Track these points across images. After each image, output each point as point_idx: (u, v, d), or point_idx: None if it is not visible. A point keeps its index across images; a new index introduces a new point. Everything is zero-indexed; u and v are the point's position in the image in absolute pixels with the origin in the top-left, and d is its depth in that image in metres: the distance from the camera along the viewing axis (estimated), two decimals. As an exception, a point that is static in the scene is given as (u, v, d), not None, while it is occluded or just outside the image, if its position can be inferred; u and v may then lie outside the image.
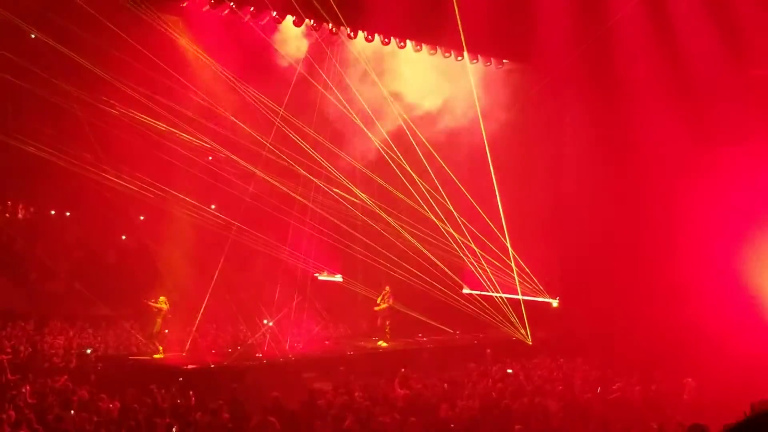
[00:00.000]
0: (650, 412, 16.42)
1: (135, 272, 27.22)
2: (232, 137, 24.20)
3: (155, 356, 21.68)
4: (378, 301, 25.15)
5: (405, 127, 25.12)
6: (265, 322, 24.66)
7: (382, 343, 25.02)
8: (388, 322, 25.05)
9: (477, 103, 25.34)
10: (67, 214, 29.27)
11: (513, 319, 25.33)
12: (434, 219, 25.09)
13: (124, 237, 30.10)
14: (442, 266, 25.66)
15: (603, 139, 25.73)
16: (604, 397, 18.20)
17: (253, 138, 23.79)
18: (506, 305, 25.60)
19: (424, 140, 24.86)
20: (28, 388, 16.93)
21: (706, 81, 23.72)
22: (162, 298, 22.19)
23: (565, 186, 27.76)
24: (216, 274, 23.26)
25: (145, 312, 22.78)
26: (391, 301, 24.92)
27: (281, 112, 23.87)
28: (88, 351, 22.68)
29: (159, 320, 22.08)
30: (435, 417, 15.64)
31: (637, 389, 18.55)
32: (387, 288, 25.11)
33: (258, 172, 24.39)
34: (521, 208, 25.99)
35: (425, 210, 24.93)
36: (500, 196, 25.17)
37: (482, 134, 24.78)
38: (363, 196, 25.77)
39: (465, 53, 25.77)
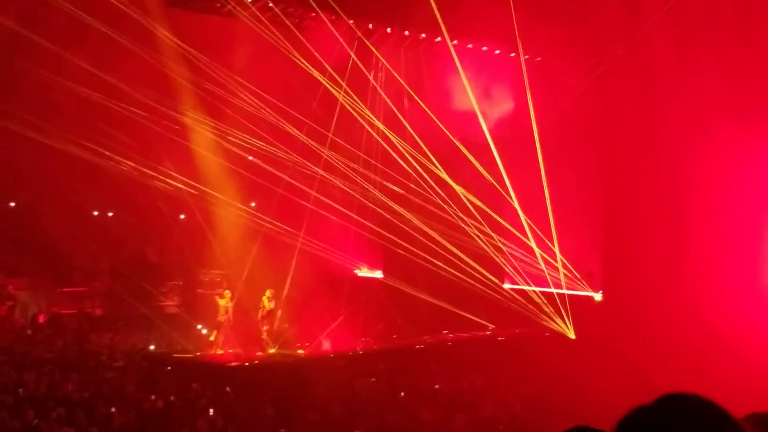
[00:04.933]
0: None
1: (176, 271, 27.45)
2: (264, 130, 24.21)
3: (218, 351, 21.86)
4: (266, 305, 22.89)
5: (447, 120, 25.20)
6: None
7: (272, 350, 22.79)
8: (266, 328, 22.86)
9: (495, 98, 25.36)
10: (110, 214, 29.51)
11: (555, 314, 25.20)
12: (475, 212, 25.02)
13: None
14: (494, 257, 25.61)
15: (649, 128, 25.49)
16: (650, 393, 18.02)
17: (293, 130, 23.87)
18: (549, 299, 25.45)
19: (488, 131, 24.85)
20: (71, 386, 17.16)
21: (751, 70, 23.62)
22: (227, 293, 22.33)
23: (610, 179, 27.57)
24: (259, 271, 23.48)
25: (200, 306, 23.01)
26: (269, 304, 22.87)
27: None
28: (152, 347, 23.01)
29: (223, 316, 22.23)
30: (478, 414, 15.63)
31: (682, 384, 18.32)
32: (269, 292, 23.12)
33: (317, 170, 24.48)
34: (565, 201, 25.82)
35: (467, 203, 24.88)
36: (546, 191, 25.07)
37: (530, 127, 24.73)
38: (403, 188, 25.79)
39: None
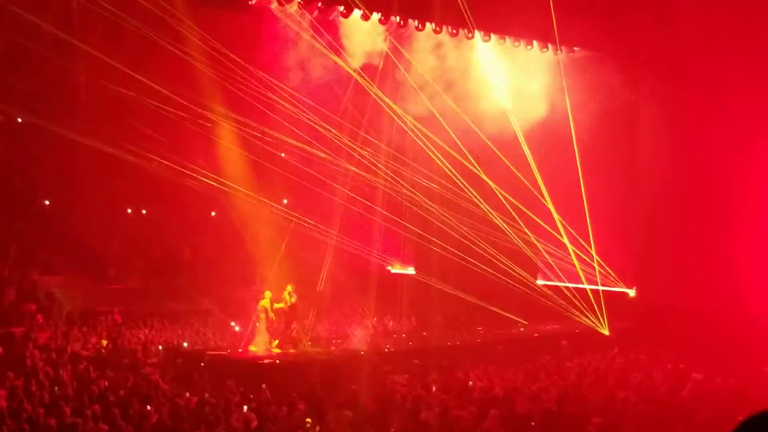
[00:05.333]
0: (735, 405, 16.01)
1: (209, 268, 27.59)
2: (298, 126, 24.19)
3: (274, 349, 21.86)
4: (289, 300, 22.11)
5: (477, 118, 25.10)
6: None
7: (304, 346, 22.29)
8: (294, 325, 22.32)
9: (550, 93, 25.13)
10: (143, 212, 29.75)
11: (589, 310, 25.04)
12: (510, 209, 24.93)
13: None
14: (527, 253, 25.51)
15: (681, 125, 25.26)
16: (685, 389, 17.86)
17: (325, 127, 23.86)
18: (582, 295, 25.30)
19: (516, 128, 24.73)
20: (106, 383, 17.25)
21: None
22: (268, 293, 22.22)
23: (642, 175, 27.35)
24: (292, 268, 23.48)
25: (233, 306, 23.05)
26: (291, 299, 22.19)
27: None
28: (185, 344, 23.08)
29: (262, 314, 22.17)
30: (511, 410, 15.50)
31: (719, 381, 18.18)
32: (290, 287, 22.38)
33: (340, 165, 24.46)
34: (598, 197, 25.64)
35: (503, 200, 24.80)
36: (583, 187, 24.94)
37: (564, 123, 24.63)
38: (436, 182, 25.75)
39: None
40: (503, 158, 25.08)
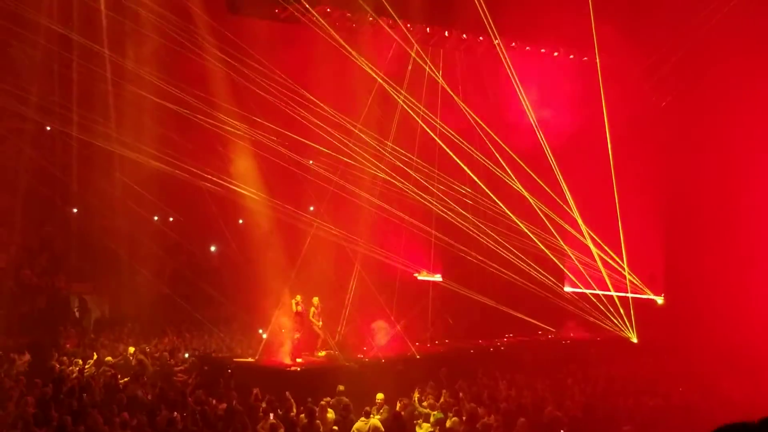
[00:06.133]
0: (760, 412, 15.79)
1: (236, 275, 27.60)
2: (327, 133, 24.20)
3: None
4: (294, 309, 21.96)
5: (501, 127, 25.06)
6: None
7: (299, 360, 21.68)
8: (297, 335, 21.84)
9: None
10: (170, 219, 29.85)
11: (617, 317, 24.87)
12: (541, 214, 24.83)
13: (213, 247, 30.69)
14: (555, 260, 25.42)
15: (711, 132, 25.06)
16: (712, 396, 17.71)
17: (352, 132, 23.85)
18: (611, 302, 25.13)
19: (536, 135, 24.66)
20: (140, 392, 17.29)
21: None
22: (316, 300, 22.31)
23: (671, 181, 27.16)
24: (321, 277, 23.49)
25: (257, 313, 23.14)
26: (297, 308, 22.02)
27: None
28: (186, 355, 23.03)
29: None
30: (539, 418, 15.42)
31: (747, 389, 18.00)
32: (299, 297, 22.20)
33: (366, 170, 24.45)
34: (626, 204, 25.46)
35: (534, 205, 24.72)
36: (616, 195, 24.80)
37: (591, 130, 24.56)
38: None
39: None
40: (527, 168, 24.95)
